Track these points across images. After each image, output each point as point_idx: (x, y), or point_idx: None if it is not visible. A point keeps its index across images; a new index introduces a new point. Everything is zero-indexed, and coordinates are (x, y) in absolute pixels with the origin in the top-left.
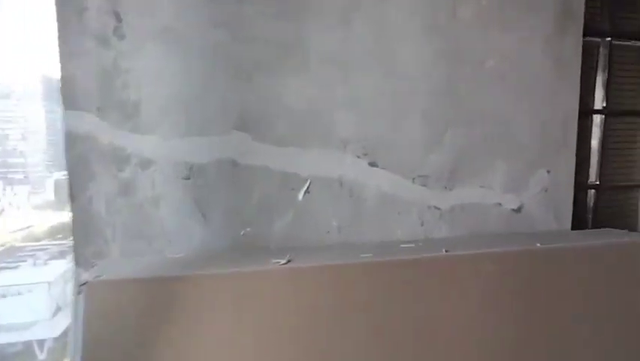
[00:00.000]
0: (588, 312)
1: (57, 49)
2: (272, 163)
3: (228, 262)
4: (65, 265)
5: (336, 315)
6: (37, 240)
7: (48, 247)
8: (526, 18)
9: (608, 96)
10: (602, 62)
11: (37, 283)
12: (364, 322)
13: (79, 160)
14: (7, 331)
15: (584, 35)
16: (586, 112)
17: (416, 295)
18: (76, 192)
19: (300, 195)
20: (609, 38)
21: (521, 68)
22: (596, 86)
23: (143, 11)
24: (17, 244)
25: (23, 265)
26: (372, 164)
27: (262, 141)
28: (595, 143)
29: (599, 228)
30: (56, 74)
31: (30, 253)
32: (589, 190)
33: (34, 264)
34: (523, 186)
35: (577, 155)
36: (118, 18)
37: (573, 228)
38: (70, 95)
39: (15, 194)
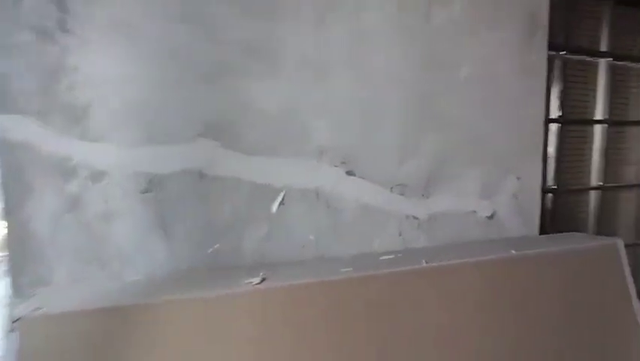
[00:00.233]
0: (562, 314)
1: None
2: (242, 173)
3: (194, 284)
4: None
5: (317, 337)
6: None
7: None
8: (497, 27)
9: (563, 106)
10: (557, 74)
11: None
12: (347, 341)
13: (15, 172)
14: None
15: None
16: (544, 121)
17: (398, 309)
18: (12, 208)
19: (274, 208)
20: (564, 52)
21: (492, 75)
22: (552, 97)
23: (93, 0)
24: None
25: None
26: (350, 173)
27: (232, 150)
28: (551, 149)
29: (558, 229)
30: None
31: None
32: (547, 194)
33: None
34: (496, 193)
35: None
36: (62, 7)
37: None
38: (4, 96)
39: None
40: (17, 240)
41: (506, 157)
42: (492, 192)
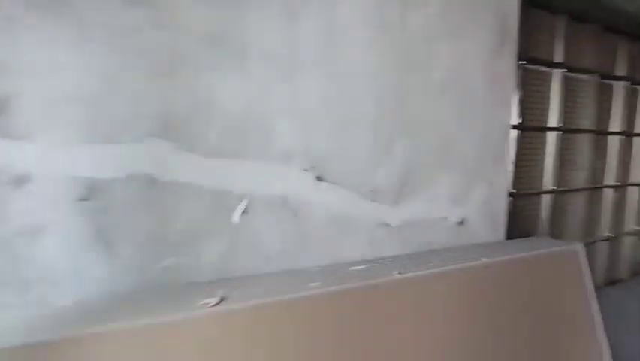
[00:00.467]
0: (528, 318)
1: None
2: (201, 179)
3: (141, 308)
4: None
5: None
6: None
7: None
8: (469, 33)
9: (522, 113)
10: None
11: None
12: None
13: None
14: None
15: None
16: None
17: (371, 323)
18: None
19: (236, 217)
20: (523, 62)
21: (464, 82)
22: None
23: None
24: None
25: None
26: (320, 178)
27: (188, 152)
28: (511, 155)
29: (517, 232)
30: None
31: None
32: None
33: None
34: (466, 199)
35: None
36: None
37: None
38: None
39: None
40: None
41: (476, 163)
42: (462, 197)
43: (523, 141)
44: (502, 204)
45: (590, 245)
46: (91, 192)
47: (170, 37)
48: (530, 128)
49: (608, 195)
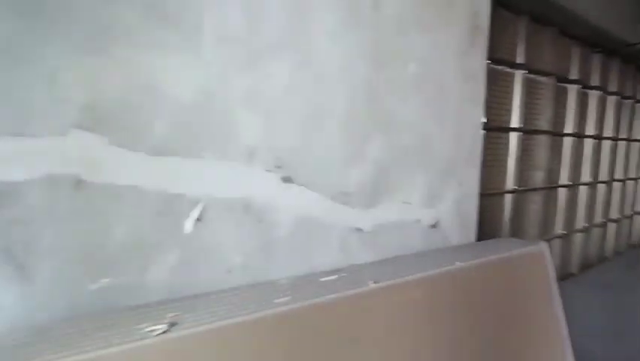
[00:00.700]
0: (499, 319)
1: None
2: (144, 180)
3: (67, 343)
4: None
5: None
6: None
7: None
8: (442, 26)
9: (487, 113)
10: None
11: None
12: None
13: None
14: None
15: None
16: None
17: (345, 337)
18: None
19: (189, 225)
20: (489, 62)
21: (438, 77)
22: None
23: None
24: None
25: None
26: (287, 180)
27: (127, 148)
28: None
29: (484, 232)
30: None
31: None
32: None
33: None
34: (440, 201)
35: None
36: None
37: None
38: None
39: None
40: None
41: (450, 163)
42: (436, 199)
43: (488, 141)
44: (473, 206)
45: (546, 242)
46: None
47: (103, 4)
48: (495, 129)
49: (562, 194)
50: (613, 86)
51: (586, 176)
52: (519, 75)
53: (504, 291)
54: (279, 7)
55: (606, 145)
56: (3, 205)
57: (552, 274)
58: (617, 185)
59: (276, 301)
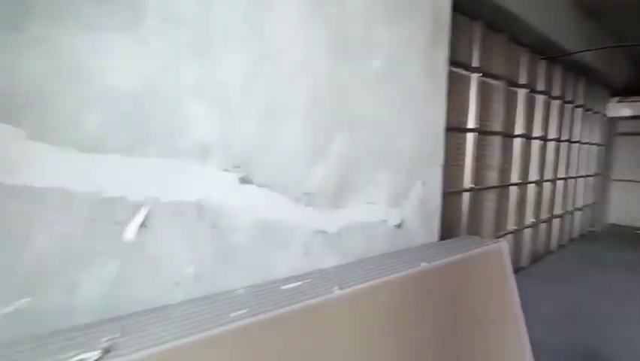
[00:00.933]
0: (466, 316)
1: None
2: (73, 181)
3: None
4: None
5: None
6: None
7: None
8: (406, 21)
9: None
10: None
11: None
12: None
13: None
14: None
15: None
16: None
17: (310, 351)
18: None
19: (130, 233)
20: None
21: (402, 74)
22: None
23: None
24: None
25: None
26: (246, 180)
27: (50, 143)
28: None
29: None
30: None
31: None
32: None
33: None
34: (404, 200)
35: None
36: None
37: None
38: None
39: None
40: None
41: (414, 162)
42: (401, 199)
43: (447, 141)
44: (437, 205)
45: (499, 238)
46: None
47: None
48: (453, 129)
49: (514, 192)
50: (556, 91)
51: (533, 175)
52: (474, 78)
53: (467, 288)
54: None
55: (551, 146)
56: None
57: (510, 270)
58: (560, 183)
59: (233, 315)
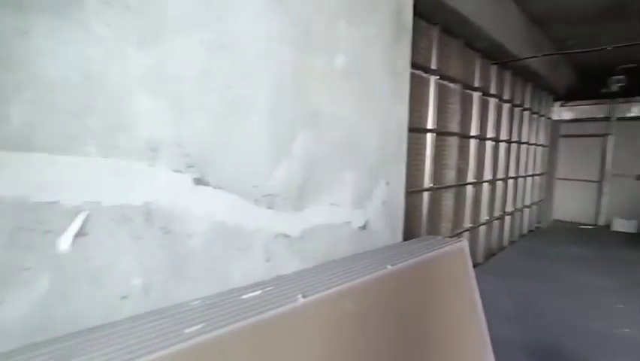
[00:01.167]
0: (431, 315)
1: None
2: None
3: None
4: None
5: None
6: None
7: None
8: (370, 17)
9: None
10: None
11: None
12: None
13: None
14: None
15: None
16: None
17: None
18: None
19: (65, 242)
20: None
21: (366, 71)
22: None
23: None
24: None
25: None
26: (200, 181)
27: None
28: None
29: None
30: None
31: None
32: None
33: None
34: (369, 201)
35: None
36: None
37: None
38: None
39: None
40: None
41: (378, 161)
42: (365, 199)
43: (408, 141)
44: (400, 205)
45: (457, 236)
46: None
47: None
48: (414, 129)
49: (469, 191)
50: (507, 95)
51: (487, 174)
52: (433, 80)
53: (431, 289)
54: None
55: (502, 147)
56: None
57: (471, 268)
58: (511, 182)
59: (187, 331)
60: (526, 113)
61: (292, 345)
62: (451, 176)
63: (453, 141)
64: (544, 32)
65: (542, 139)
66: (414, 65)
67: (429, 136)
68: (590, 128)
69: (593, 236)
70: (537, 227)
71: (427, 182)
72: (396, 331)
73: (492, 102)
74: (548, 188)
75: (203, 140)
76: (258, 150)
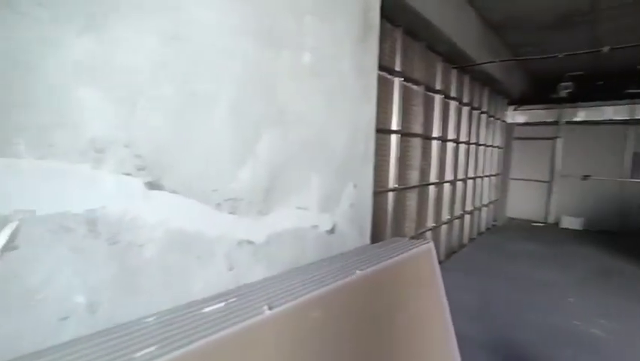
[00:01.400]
0: (400, 317)
1: None
2: None
3: None
4: None
5: None
6: None
7: None
8: (337, 13)
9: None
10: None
11: None
12: None
13: None
14: None
15: None
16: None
17: None
18: None
19: None
20: None
21: (334, 69)
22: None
23: None
24: None
25: None
26: (154, 185)
27: None
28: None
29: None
30: None
31: None
32: None
33: None
34: (337, 203)
35: None
36: None
37: None
38: None
39: None
40: None
41: (346, 162)
42: (333, 202)
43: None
44: (368, 207)
45: (420, 235)
46: None
47: None
48: (379, 130)
49: (432, 191)
50: (466, 98)
51: (449, 175)
52: (397, 82)
53: (400, 291)
54: None
55: (462, 148)
56: None
57: (437, 269)
58: (470, 182)
59: (139, 354)
60: (484, 116)
61: (256, 356)
62: (414, 176)
63: (416, 142)
64: (500, 39)
65: (498, 141)
66: (379, 66)
67: (393, 137)
68: (541, 131)
69: (544, 233)
70: (494, 225)
71: (391, 182)
72: (367, 336)
73: (452, 105)
74: (503, 188)
75: (157, 140)
76: (220, 150)
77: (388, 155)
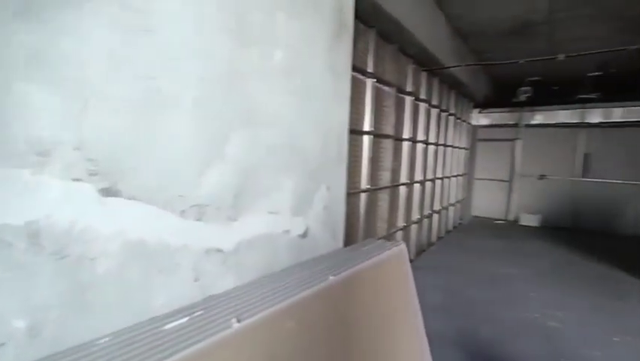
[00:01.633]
0: (374, 320)
1: None
2: None
3: None
4: None
5: None
6: None
7: None
8: (309, 11)
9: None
10: None
11: None
12: None
13: None
14: None
15: None
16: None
17: None
18: None
19: None
20: None
21: (307, 69)
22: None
23: None
24: None
25: None
26: (109, 192)
27: None
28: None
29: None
30: None
31: None
32: None
33: None
34: (309, 207)
35: None
36: None
37: None
38: None
39: None
40: None
41: (319, 164)
42: (306, 205)
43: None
44: (341, 209)
45: (391, 235)
46: None
47: None
48: (351, 131)
49: (403, 191)
50: (435, 100)
51: (418, 175)
52: (370, 83)
53: (374, 294)
54: None
55: (431, 149)
56: None
57: (410, 271)
58: (438, 182)
59: None
60: (452, 118)
61: None
62: (386, 177)
63: (388, 144)
64: (466, 44)
65: (464, 142)
66: (352, 67)
67: (366, 138)
68: (503, 133)
69: (506, 230)
70: (460, 223)
71: (364, 183)
72: (342, 341)
73: (422, 107)
74: (468, 187)
75: (112, 141)
76: (185, 152)
77: (361, 156)
